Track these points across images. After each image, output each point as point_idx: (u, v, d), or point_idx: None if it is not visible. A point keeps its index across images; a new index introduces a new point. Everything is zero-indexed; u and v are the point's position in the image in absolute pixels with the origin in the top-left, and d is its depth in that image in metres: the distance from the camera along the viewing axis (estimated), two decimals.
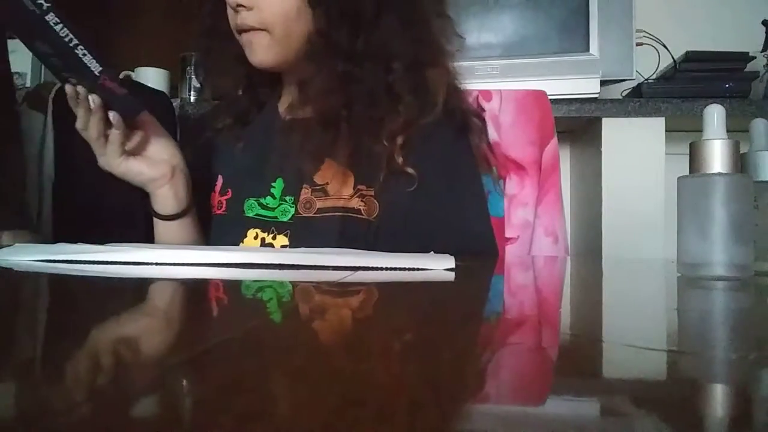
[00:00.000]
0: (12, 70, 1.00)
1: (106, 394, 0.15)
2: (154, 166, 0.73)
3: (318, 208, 0.73)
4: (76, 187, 1.11)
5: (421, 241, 0.63)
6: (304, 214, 0.73)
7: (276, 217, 0.75)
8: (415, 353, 0.21)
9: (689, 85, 1.44)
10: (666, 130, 1.41)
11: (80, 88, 0.66)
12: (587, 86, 1.41)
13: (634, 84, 1.53)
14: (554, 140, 1.03)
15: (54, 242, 0.62)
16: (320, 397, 0.16)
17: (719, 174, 0.49)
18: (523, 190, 1.00)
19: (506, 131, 1.01)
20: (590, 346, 0.24)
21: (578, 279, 0.58)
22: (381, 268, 0.49)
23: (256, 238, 0.75)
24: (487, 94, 1.02)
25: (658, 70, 1.60)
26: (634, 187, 1.40)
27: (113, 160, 0.70)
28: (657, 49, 1.61)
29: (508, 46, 1.48)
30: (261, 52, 0.72)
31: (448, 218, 0.74)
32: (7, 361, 0.19)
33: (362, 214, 0.72)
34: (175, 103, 1.46)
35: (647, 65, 1.60)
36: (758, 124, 0.59)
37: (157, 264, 0.50)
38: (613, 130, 1.42)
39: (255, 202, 0.76)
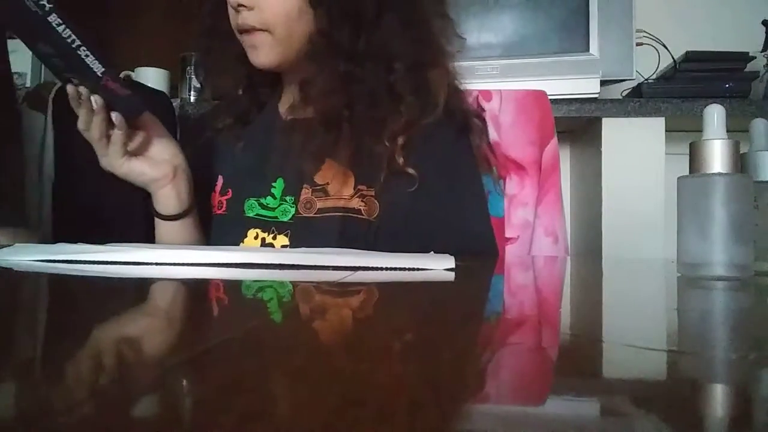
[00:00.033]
0: (12, 70, 1.00)
1: (106, 394, 0.15)
2: (156, 166, 0.73)
3: (318, 208, 0.73)
4: (76, 187, 1.11)
5: (422, 242, 0.63)
6: (305, 214, 0.73)
7: (276, 217, 0.75)
8: (415, 353, 0.21)
9: (689, 85, 1.44)
10: (666, 130, 1.41)
11: (82, 89, 0.66)
12: (587, 86, 1.41)
13: (634, 84, 1.53)
14: (554, 140, 1.03)
15: (54, 242, 0.62)
16: (320, 397, 0.16)
17: (719, 174, 0.49)
18: (523, 190, 1.00)
19: (506, 131, 1.01)
20: (590, 346, 0.24)
21: (578, 279, 0.58)
22: (381, 268, 0.49)
23: (256, 238, 0.75)
24: (487, 94, 1.02)
25: (658, 70, 1.60)
26: (634, 187, 1.40)
27: (115, 160, 0.70)
28: (657, 49, 1.61)
29: (508, 46, 1.48)
30: (263, 53, 0.72)
31: (448, 218, 0.74)
32: (7, 361, 0.19)
33: (362, 215, 0.72)
34: (175, 103, 1.46)
35: (647, 65, 1.60)
36: (758, 124, 0.59)
37: (157, 264, 0.50)
38: (613, 130, 1.42)
39: (255, 202, 0.76)
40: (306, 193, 0.74)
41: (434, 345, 0.22)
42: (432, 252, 0.58)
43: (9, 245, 0.59)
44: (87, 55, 0.62)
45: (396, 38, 0.71)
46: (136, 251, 0.51)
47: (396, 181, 0.72)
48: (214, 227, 0.81)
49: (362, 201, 0.72)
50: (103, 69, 0.64)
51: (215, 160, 0.84)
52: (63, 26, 0.60)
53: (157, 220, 0.77)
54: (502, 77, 1.42)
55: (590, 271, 0.69)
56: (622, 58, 1.43)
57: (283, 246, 0.73)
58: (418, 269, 0.49)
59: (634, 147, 1.41)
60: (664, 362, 0.21)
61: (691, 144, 0.51)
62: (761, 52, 1.52)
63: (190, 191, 0.77)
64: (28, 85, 1.64)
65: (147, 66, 1.66)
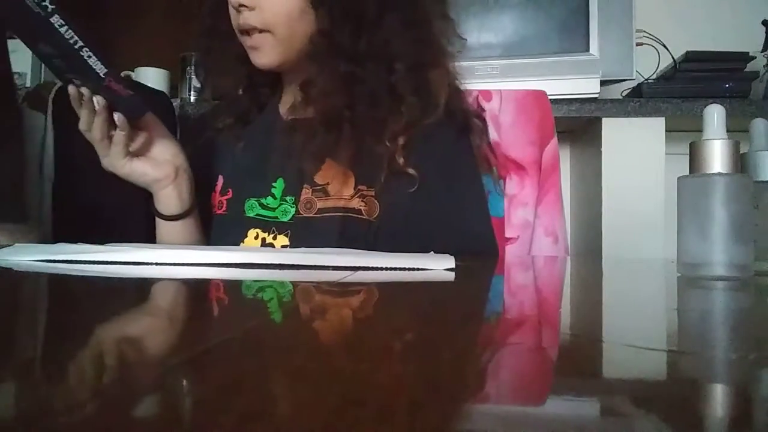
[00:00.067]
0: (12, 70, 1.00)
1: (107, 394, 0.15)
2: (158, 166, 0.73)
3: (318, 209, 0.73)
4: (76, 187, 1.11)
5: (422, 242, 0.63)
6: (305, 214, 0.73)
7: (277, 217, 0.75)
8: (415, 353, 0.22)
9: (689, 85, 1.44)
10: (666, 130, 1.41)
11: (84, 90, 0.65)
12: (587, 86, 1.41)
13: (634, 84, 1.53)
14: (554, 140, 1.03)
15: (54, 242, 0.62)
16: (320, 397, 0.16)
17: (719, 174, 0.49)
18: (523, 190, 1.00)
19: (506, 131, 1.01)
20: (590, 346, 0.24)
21: (578, 279, 0.58)
22: (381, 268, 0.49)
23: (256, 238, 0.75)
24: (487, 94, 1.02)
25: (658, 70, 1.60)
26: (634, 187, 1.40)
27: (117, 161, 0.70)
28: (657, 49, 1.61)
29: (508, 46, 1.48)
30: (264, 53, 0.72)
31: (448, 218, 0.74)
32: (7, 361, 0.19)
33: (363, 215, 0.72)
34: (175, 103, 1.46)
35: (647, 65, 1.60)
36: (758, 124, 0.59)
37: (157, 264, 0.50)
38: (613, 130, 1.42)
39: (255, 202, 0.76)
40: (306, 193, 0.74)
41: (434, 345, 0.22)
42: (432, 252, 0.58)
43: (9, 245, 0.59)
44: (89, 56, 0.62)
45: (397, 38, 0.71)
46: (136, 251, 0.51)
47: (396, 182, 0.72)
48: (214, 227, 0.81)
49: (362, 201, 0.72)
50: (105, 70, 0.64)
51: (215, 160, 0.84)
52: (65, 27, 0.60)
53: (158, 220, 0.77)
54: (502, 77, 1.42)
55: (590, 271, 0.69)
56: (622, 58, 1.43)
57: (284, 246, 0.73)
58: (418, 269, 0.49)
59: (634, 147, 1.41)
60: (664, 362, 0.21)
61: (691, 144, 0.51)
62: (761, 52, 1.52)
63: (192, 191, 0.77)
64: (28, 85, 1.64)
65: (147, 66, 1.66)
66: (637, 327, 0.28)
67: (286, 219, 0.74)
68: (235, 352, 0.21)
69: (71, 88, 0.66)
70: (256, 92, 0.83)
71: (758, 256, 0.51)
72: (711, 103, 0.53)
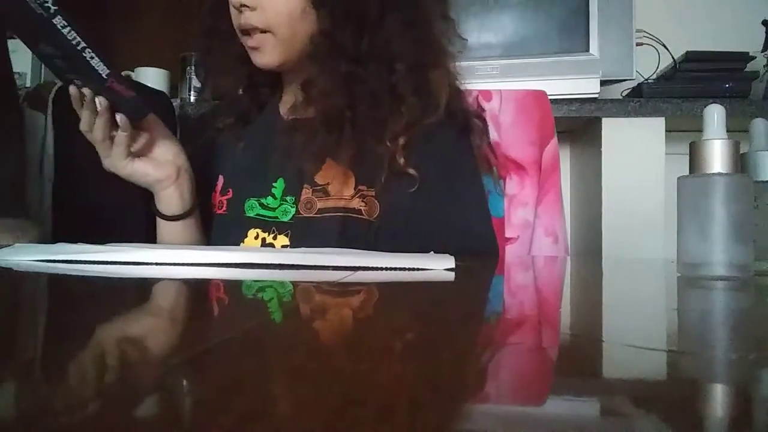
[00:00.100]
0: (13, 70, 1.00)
1: (107, 394, 0.15)
2: (159, 167, 0.73)
3: (319, 209, 0.73)
4: (76, 187, 1.11)
5: (422, 242, 0.63)
6: (305, 215, 0.73)
7: (277, 217, 0.75)
8: (415, 353, 0.22)
9: (689, 85, 1.44)
10: (666, 130, 1.41)
11: (86, 90, 0.65)
12: (587, 86, 1.41)
13: (634, 84, 1.53)
14: (554, 140, 1.03)
15: (54, 242, 0.62)
16: (320, 397, 0.16)
17: (719, 174, 0.49)
18: (523, 190, 1.00)
19: (506, 131, 1.01)
20: (590, 346, 0.24)
21: (578, 279, 0.58)
22: (381, 268, 0.49)
23: (256, 238, 0.75)
24: (487, 94, 1.02)
25: (658, 70, 1.60)
26: (634, 187, 1.40)
27: (119, 161, 0.70)
28: (657, 49, 1.61)
29: (508, 46, 1.48)
30: (265, 53, 0.72)
31: (449, 218, 0.74)
32: (7, 361, 0.19)
33: (363, 215, 0.72)
34: (175, 103, 1.46)
35: (647, 65, 1.60)
36: (758, 124, 0.59)
37: (157, 264, 0.50)
38: (613, 130, 1.42)
39: (256, 202, 0.76)
40: (306, 193, 0.74)
41: (434, 345, 0.22)
42: (432, 252, 0.58)
43: (9, 245, 0.59)
44: (92, 57, 0.62)
45: (398, 39, 0.71)
46: (136, 251, 0.51)
47: (397, 182, 0.72)
48: (214, 227, 0.81)
49: (363, 201, 0.72)
50: (108, 71, 0.64)
51: (216, 159, 0.84)
52: (68, 28, 0.59)
53: (159, 220, 0.77)
54: (502, 77, 1.42)
55: (590, 271, 0.69)
56: (622, 58, 1.43)
57: (284, 246, 0.73)
58: (418, 269, 0.49)
59: (634, 147, 1.41)
60: (664, 362, 0.21)
61: (691, 144, 0.51)
62: (761, 52, 1.52)
63: (193, 191, 0.77)
64: (28, 85, 1.64)
65: (147, 66, 1.66)
66: (637, 327, 0.28)
67: (286, 219, 0.74)
68: (235, 352, 0.21)
69: (72, 89, 0.66)
70: (256, 92, 0.83)
71: (758, 256, 0.51)
72: (711, 103, 0.53)
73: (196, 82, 1.61)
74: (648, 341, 0.25)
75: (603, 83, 1.43)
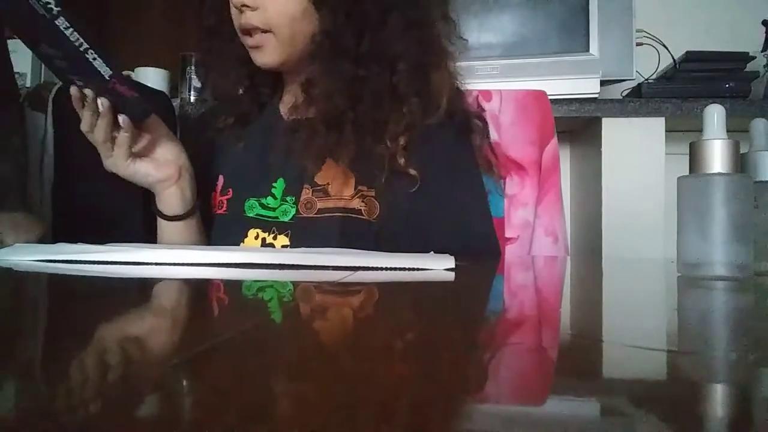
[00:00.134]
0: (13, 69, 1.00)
1: (107, 393, 0.15)
2: (161, 167, 0.73)
3: (319, 209, 0.73)
4: (76, 187, 1.11)
5: (423, 242, 0.63)
6: (305, 215, 0.73)
7: (277, 218, 0.75)
8: (415, 353, 0.22)
9: (689, 85, 1.44)
10: (666, 130, 1.41)
11: (88, 91, 0.65)
12: (587, 86, 1.41)
13: (634, 84, 1.53)
14: (554, 140, 1.03)
15: (54, 242, 0.62)
16: (320, 396, 0.16)
17: (719, 174, 0.49)
18: (523, 190, 1.00)
19: (506, 131, 1.01)
20: (590, 346, 0.24)
21: (578, 279, 0.58)
22: (381, 268, 0.49)
23: (257, 238, 0.75)
24: (487, 94, 1.02)
25: (658, 70, 1.60)
26: (634, 187, 1.40)
27: (121, 162, 0.70)
28: (657, 49, 1.61)
29: (508, 46, 1.48)
30: (266, 53, 0.72)
31: (450, 219, 0.74)
32: (7, 361, 0.19)
33: (363, 215, 0.72)
34: (175, 103, 1.46)
35: (647, 65, 1.60)
36: (758, 124, 0.59)
37: (157, 264, 0.50)
38: (613, 130, 1.42)
39: (256, 202, 0.76)
40: (306, 193, 0.74)
41: (434, 345, 0.22)
42: (432, 252, 0.58)
43: (9, 245, 0.59)
44: (95, 58, 0.62)
45: (399, 39, 0.71)
46: (136, 251, 0.51)
47: (397, 182, 0.72)
48: (214, 227, 0.81)
49: (363, 201, 0.72)
50: (111, 71, 0.63)
51: (216, 159, 0.84)
52: (71, 29, 0.59)
53: (159, 220, 0.77)
54: (502, 77, 1.42)
55: (590, 271, 0.69)
56: (622, 58, 1.42)
57: (284, 246, 0.73)
58: (418, 269, 0.49)
59: (634, 147, 1.41)
60: (664, 362, 0.21)
61: (691, 144, 0.51)
62: (761, 52, 1.52)
63: (194, 191, 0.77)
64: (28, 85, 1.64)
65: (147, 66, 1.66)
66: (637, 327, 0.28)
67: (286, 219, 0.74)
68: (235, 352, 0.21)
69: (73, 89, 0.65)
70: (256, 92, 0.83)
71: (758, 256, 0.51)
72: (711, 103, 0.53)
73: (196, 82, 1.61)
74: (648, 341, 0.25)
75: (603, 83, 1.43)
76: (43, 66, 1.69)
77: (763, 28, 1.52)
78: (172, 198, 0.75)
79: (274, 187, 0.76)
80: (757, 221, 0.51)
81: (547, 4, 1.47)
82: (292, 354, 0.21)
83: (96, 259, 0.49)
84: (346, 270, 0.48)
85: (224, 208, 0.79)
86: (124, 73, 1.58)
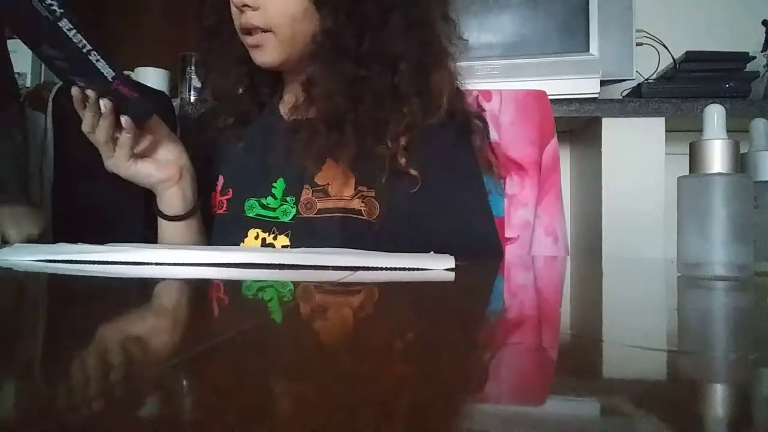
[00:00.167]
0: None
1: (107, 393, 0.15)
2: (162, 168, 0.73)
3: (319, 209, 0.73)
4: (76, 187, 1.11)
5: (424, 242, 0.63)
6: (305, 215, 0.73)
7: (277, 218, 0.75)
8: (415, 353, 0.22)
9: (689, 85, 1.44)
10: (666, 130, 1.41)
11: (89, 92, 0.65)
12: (587, 86, 1.41)
13: (634, 84, 1.53)
14: (554, 140, 1.03)
15: (54, 242, 0.62)
16: (320, 396, 0.16)
17: (719, 174, 0.49)
18: (523, 190, 1.00)
19: (506, 131, 1.01)
20: (590, 346, 0.24)
21: (578, 279, 0.58)
22: (381, 268, 0.49)
23: (257, 238, 0.75)
24: (487, 94, 1.02)
25: (658, 70, 1.60)
26: (634, 187, 1.40)
27: (122, 162, 0.70)
28: (657, 49, 1.61)
29: (508, 46, 1.48)
30: (266, 52, 0.72)
31: (451, 219, 0.74)
32: (7, 361, 0.19)
33: (363, 215, 0.72)
34: (175, 103, 1.46)
35: (647, 65, 1.60)
36: (758, 124, 0.59)
37: (157, 264, 0.50)
38: (613, 130, 1.42)
39: (256, 202, 0.76)
40: (307, 193, 0.74)
41: (434, 345, 0.22)
42: (432, 252, 0.58)
43: (12, 237, 0.59)
44: (98, 60, 0.62)
45: (400, 39, 0.71)
46: (136, 251, 0.51)
47: (398, 182, 0.72)
48: (215, 227, 0.81)
49: (363, 202, 0.72)
50: (113, 73, 0.63)
51: (216, 159, 0.84)
52: (74, 31, 0.59)
53: (160, 220, 0.77)
54: (502, 77, 1.42)
55: (590, 271, 0.69)
56: (622, 58, 1.42)
57: (284, 246, 0.73)
58: (418, 269, 0.49)
59: (634, 147, 1.41)
60: (664, 362, 0.21)
61: (691, 144, 0.51)
62: (761, 52, 1.52)
63: (195, 191, 0.77)
64: (28, 85, 1.64)
65: (147, 66, 1.66)
66: (637, 327, 0.28)
67: (286, 219, 0.74)
68: (235, 352, 0.21)
69: (75, 90, 0.65)
70: (256, 92, 0.83)
71: (758, 256, 0.51)
72: (711, 103, 0.53)
73: (196, 82, 1.61)
74: (648, 341, 0.25)
75: (603, 83, 1.43)
76: (43, 66, 1.69)
77: (763, 28, 1.52)
78: (173, 198, 0.75)
79: (274, 187, 0.76)
80: (757, 221, 0.51)
81: (547, 4, 1.47)
82: (292, 354, 0.21)
83: (96, 259, 0.49)
84: (346, 270, 0.48)
85: (224, 208, 0.79)
86: (125, 73, 1.58)
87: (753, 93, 1.45)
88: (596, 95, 1.41)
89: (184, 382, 0.17)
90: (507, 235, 0.99)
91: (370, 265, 0.50)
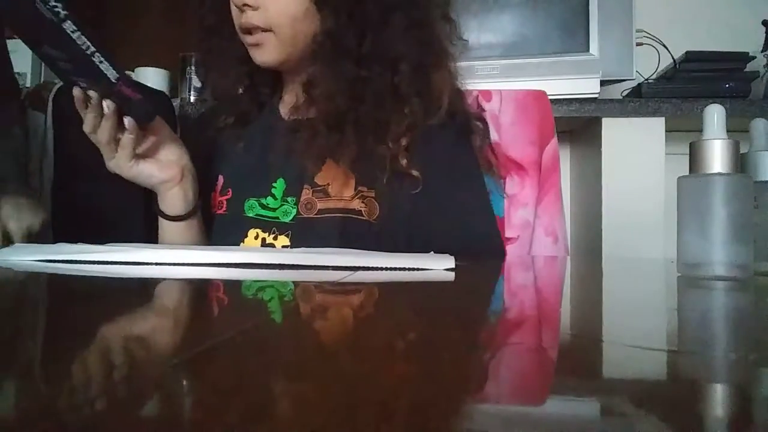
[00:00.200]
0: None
1: (107, 393, 0.15)
2: (164, 168, 0.73)
3: (319, 209, 0.73)
4: (76, 187, 1.11)
5: (424, 243, 0.63)
6: (305, 215, 0.73)
7: (277, 218, 0.75)
8: (415, 353, 0.22)
9: (689, 85, 1.44)
10: (666, 130, 1.41)
11: (92, 93, 0.65)
12: (587, 86, 1.41)
13: (634, 84, 1.53)
14: (554, 140, 1.03)
15: (54, 242, 0.62)
16: (320, 396, 0.16)
17: (719, 174, 0.49)
18: (523, 190, 1.00)
19: (506, 131, 1.01)
20: (590, 346, 0.24)
21: (578, 279, 0.58)
22: (381, 268, 0.49)
23: (256, 238, 0.75)
24: (487, 94, 1.02)
25: (658, 70, 1.60)
26: (634, 187, 1.40)
27: (124, 163, 0.70)
28: (657, 49, 1.61)
29: (508, 46, 1.48)
30: (266, 51, 0.72)
31: (453, 220, 0.74)
32: (7, 361, 0.19)
33: (363, 216, 0.72)
34: (175, 103, 1.46)
35: (647, 65, 1.60)
36: (758, 124, 0.59)
37: (157, 264, 0.50)
38: (613, 130, 1.42)
39: (255, 203, 0.76)
40: (307, 193, 0.74)
41: (434, 345, 0.22)
42: (432, 252, 0.58)
43: (12, 230, 0.59)
44: (101, 62, 0.61)
45: (401, 40, 0.71)
46: (136, 251, 0.51)
47: (399, 183, 0.72)
48: (214, 227, 0.81)
49: (363, 202, 0.72)
50: (117, 75, 0.63)
51: (215, 159, 0.84)
52: (77, 33, 0.59)
53: (161, 220, 0.77)
54: (502, 77, 1.42)
55: (590, 271, 0.69)
56: (622, 58, 1.42)
57: (284, 246, 0.73)
58: (418, 269, 0.49)
59: (634, 147, 1.41)
60: (664, 362, 0.21)
61: (691, 144, 0.51)
62: (761, 52, 1.52)
63: (196, 191, 0.77)
64: (28, 85, 1.64)
65: (147, 66, 1.66)
66: (637, 327, 0.28)
67: (287, 220, 0.74)
68: (235, 352, 0.21)
69: (76, 91, 0.65)
70: (256, 91, 0.83)
71: (758, 256, 0.51)
72: (711, 103, 0.53)
73: (196, 82, 1.61)
74: (648, 341, 0.25)
75: (603, 83, 1.43)
76: (43, 66, 1.69)
77: (763, 28, 1.52)
78: (174, 198, 0.75)
79: (274, 188, 0.76)
80: (757, 221, 0.51)
81: (547, 4, 1.47)
82: (292, 354, 0.21)
83: (96, 259, 0.49)
84: (346, 270, 0.48)
85: (224, 209, 0.79)
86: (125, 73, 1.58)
87: (753, 93, 1.45)
88: (596, 95, 1.41)
89: (184, 382, 0.17)
90: (507, 235, 0.99)
91: (370, 265, 0.50)
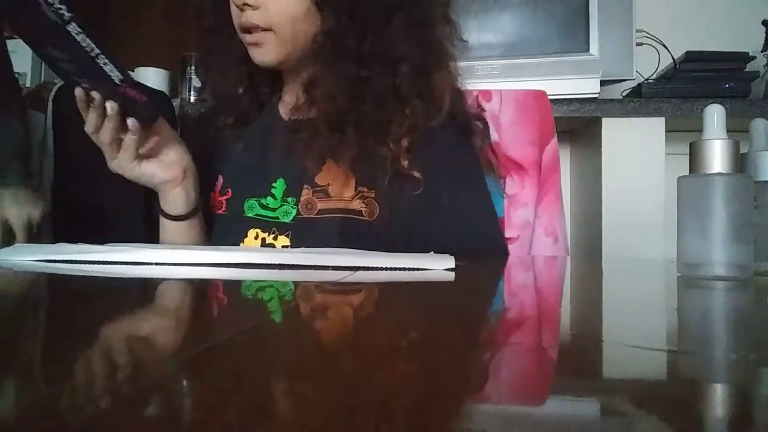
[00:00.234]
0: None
1: (107, 393, 0.15)
2: (166, 168, 0.73)
3: (319, 209, 0.73)
4: (76, 187, 1.11)
5: (425, 243, 0.63)
6: (305, 215, 0.73)
7: (277, 218, 0.75)
8: (415, 353, 0.22)
9: (689, 85, 1.44)
10: (666, 130, 1.41)
11: (95, 94, 0.65)
12: (587, 86, 1.41)
13: (634, 84, 1.53)
14: (554, 140, 1.03)
15: (54, 242, 0.62)
16: (320, 396, 0.16)
17: (719, 174, 0.49)
18: (523, 190, 1.00)
19: (506, 131, 1.01)
20: (590, 346, 0.24)
21: (578, 279, 0.58)
22: (381, 268, 0.49)
23: (256, 238, 0.75)
24: (487, 94, 1.02)
25: (658, 70, 1.60)
26: (634, 187, 1.40)
27: (126, 164, 0.70)
28: (657, 49, 1.61)
29: (508, 46, 1.48)
30: (266, 51, 0.72)
31: (455, 220, 0.74)
32: (7, 361, 0.19)
33: (363, 216, 0.72)
34: (175, 103, 1.46)
35: (647, 65, 1.60)
36: (758, 124, 0.59)
37: (157, 264, 0.50)
38: (613, 130, 1.42)
39: (255, 203, 0.76)
40: (307, 194, 0.74)
41: (434, 345, 0.22)
42: (432, 252, 0.58)
43: (13, 222, 0.59)
44: (105, 63, 0.61)
45: (402, 40, 0.71)
46: (136, 251, 0.51)
47: (400, 184, 0.72)
48: (214, 227, 0.81)
49: (363, 203, 0.72)
50: (121, 76, 0.63)
51: (215, 159, 0.84)
52: (82, 35, 0.59)
53: (163, 220, 0.77)
54: (502, 77, 1.42)
55: (590, 271, 0.69)
56: (622, 58, 1.42)
57: (284, 246, 0.73)
58: (418, 269, 0.49)
59: (634, 147, 1.41)
60: (664, 362, 0.21)
61: (691, 144, 0.51)
62: (761, 52, 1.52)
63: (197, 191, 0.77)
64: (28, 85, 1.64)
65: (147, 66, 1.66)
66: (637, 327, 0.28)
67: (287, 220, 0.74)
68: (235, 351, 0.21)
69: (78, 92, 0.64)
70: (256, 91, 0.83)
71: (758, 256, 0.51)
72: (711, 103, 0.53)
73: (196, 82, 1.61)
74: (648, 341, 0.25)
75: (603, 83, 1.43)
76: (43, 66, 1.69)
77: (763, 28, 1.52)
78: (176, 198, 0.75)
79: (274, 188, 0.76)
80: (757, 221, 0.51)
81: (547, 4, 1.47)
82: (292, 354, 0.21)
83: (96, 259, 0.49)
84: (346, 270, 0.48)
85: (223, 209, 0.80)
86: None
87: (753, 93, 1.45)
88: (596, 95, 1.41)
89: (185, 382, 0.17)
90: (507, 235, 0.99)
91: (370, 265, 0.50)
